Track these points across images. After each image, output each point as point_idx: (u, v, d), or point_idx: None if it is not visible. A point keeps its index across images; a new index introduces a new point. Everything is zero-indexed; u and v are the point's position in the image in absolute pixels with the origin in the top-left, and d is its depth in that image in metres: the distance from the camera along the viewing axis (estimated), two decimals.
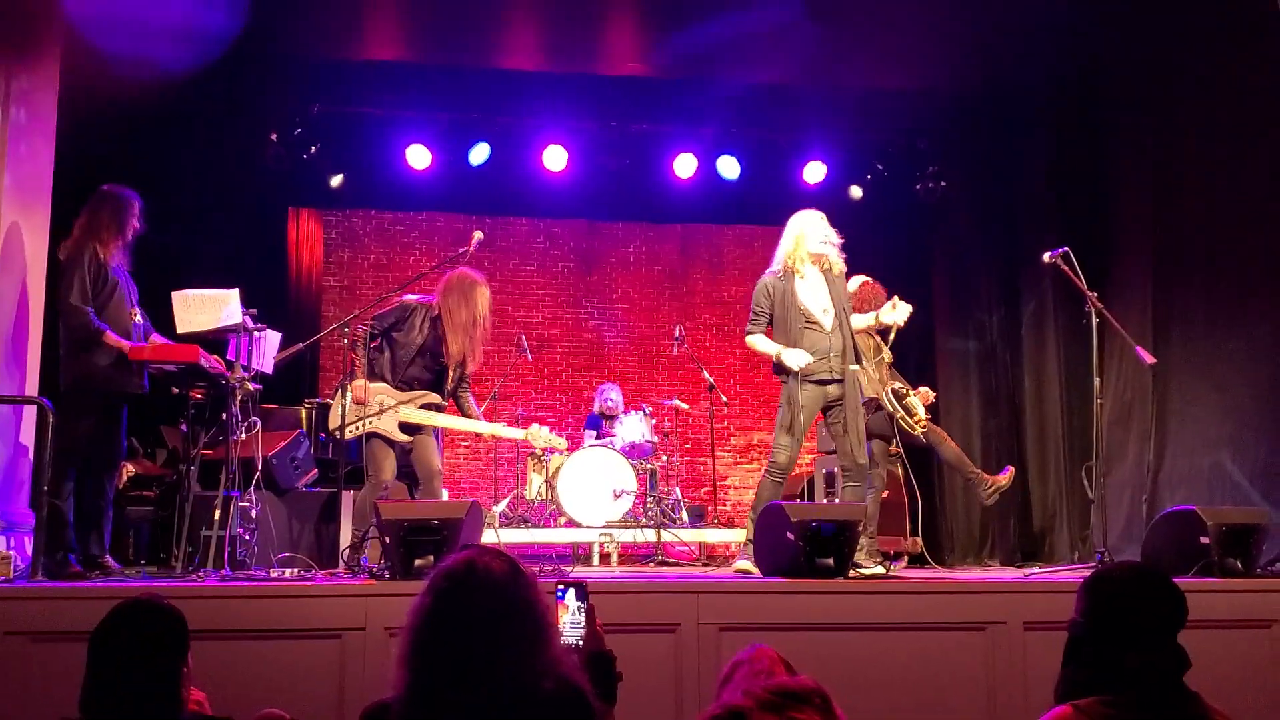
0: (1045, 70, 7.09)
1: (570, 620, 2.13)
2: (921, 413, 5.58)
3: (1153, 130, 6.41)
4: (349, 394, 4.82)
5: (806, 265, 4.86)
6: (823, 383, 4.80)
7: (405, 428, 4.92)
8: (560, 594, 2.14)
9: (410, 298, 5.06)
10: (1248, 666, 4.00)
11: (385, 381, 4.95)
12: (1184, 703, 1.94)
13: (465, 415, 5.08)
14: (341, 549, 4.96)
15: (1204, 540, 4.44)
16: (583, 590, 2.16)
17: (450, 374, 4.99)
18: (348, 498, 5.49)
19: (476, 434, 5.05)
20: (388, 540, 4.02)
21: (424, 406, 4.95)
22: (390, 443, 4.93)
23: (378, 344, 4.97)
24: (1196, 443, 5.91)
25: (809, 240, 4.84)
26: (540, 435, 5.13)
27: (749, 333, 4.95)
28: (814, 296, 4.85)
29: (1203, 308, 5.96)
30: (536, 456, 7.97)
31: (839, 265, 4.86)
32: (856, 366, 4.87)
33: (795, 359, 4.74)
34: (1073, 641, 2.08)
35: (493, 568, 1.80)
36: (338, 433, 4.84)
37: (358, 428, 4.83)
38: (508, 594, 1.79)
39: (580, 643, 2.14)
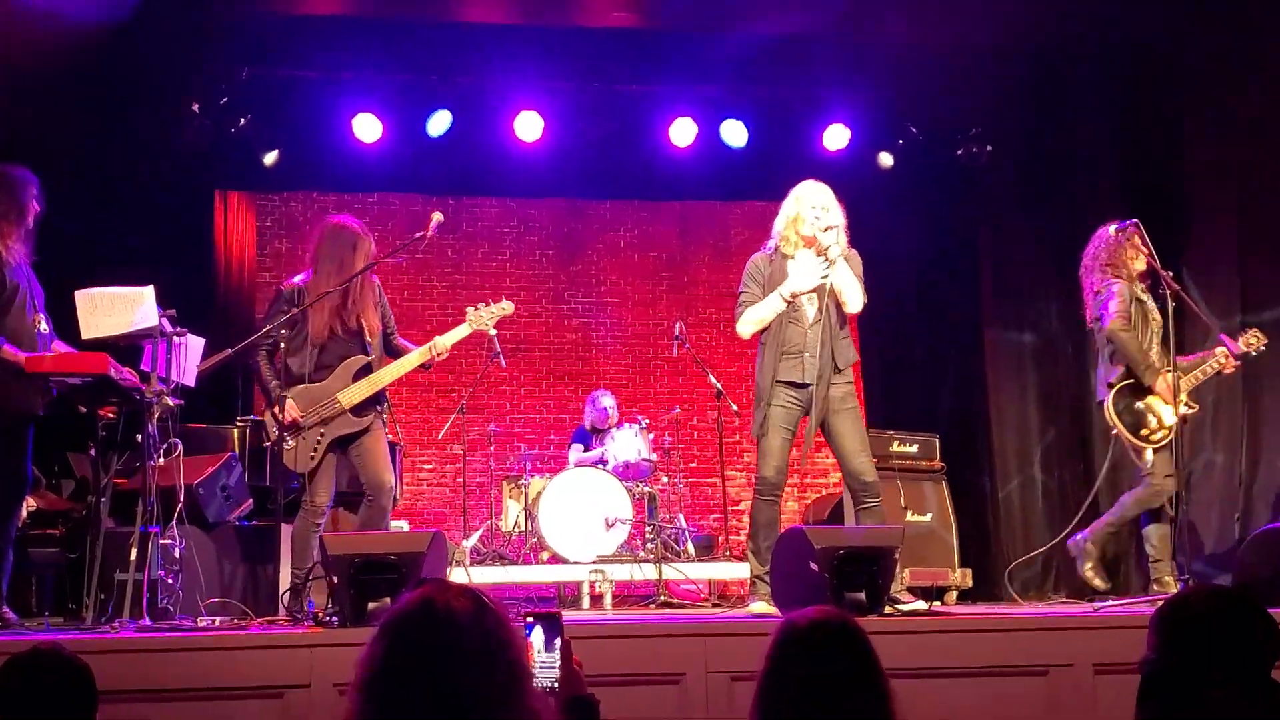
0: (1114, 20, 7.08)
1: (541, 660, 2.13)
2: (1165, 418, 5.31)
3: (1239, 88, 6.41)
4: (282, 431, 4.90)
5: (800, 249, 4.93)
6: (798, 385, 4.85)
7: (356, 410, 4.99)
8: (527, 629, 2.13)
9: (294, 280, 5.10)
10: None
11: (303, 383, 4.98)
12: None
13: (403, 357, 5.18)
14: (281, 592, 4.97)
15: None
16: (554, 624, 2.15)
17: (368, 341, 5.05)
18: (288, 532, 5.49)
19: (423, 367, 5.17)
20: (335, 580, 4.01)
21: (357, 377, 4.99)
22: (335, 452, 4.97)
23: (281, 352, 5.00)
24: None
25: (802, 221, 4.90)
26: (479, 316, 5.22)
27: (737, 317, 5.00)
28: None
29: None
30: (514, 481, 7.96)
31: (838, 249, 4.82)
32: (846, 369, 4.88)
33: (799, 279, 4.79)
34: (1147, 681, 2.08)
35: (455, 607, 1.79)
36: (303, 471, 4.93)
37: (314, 451, 4.87)
38: (474, 637, 1.77)
39: (555, 685, 2.13)
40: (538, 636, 2.15)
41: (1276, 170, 6.17)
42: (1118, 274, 5.47)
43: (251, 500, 5.89)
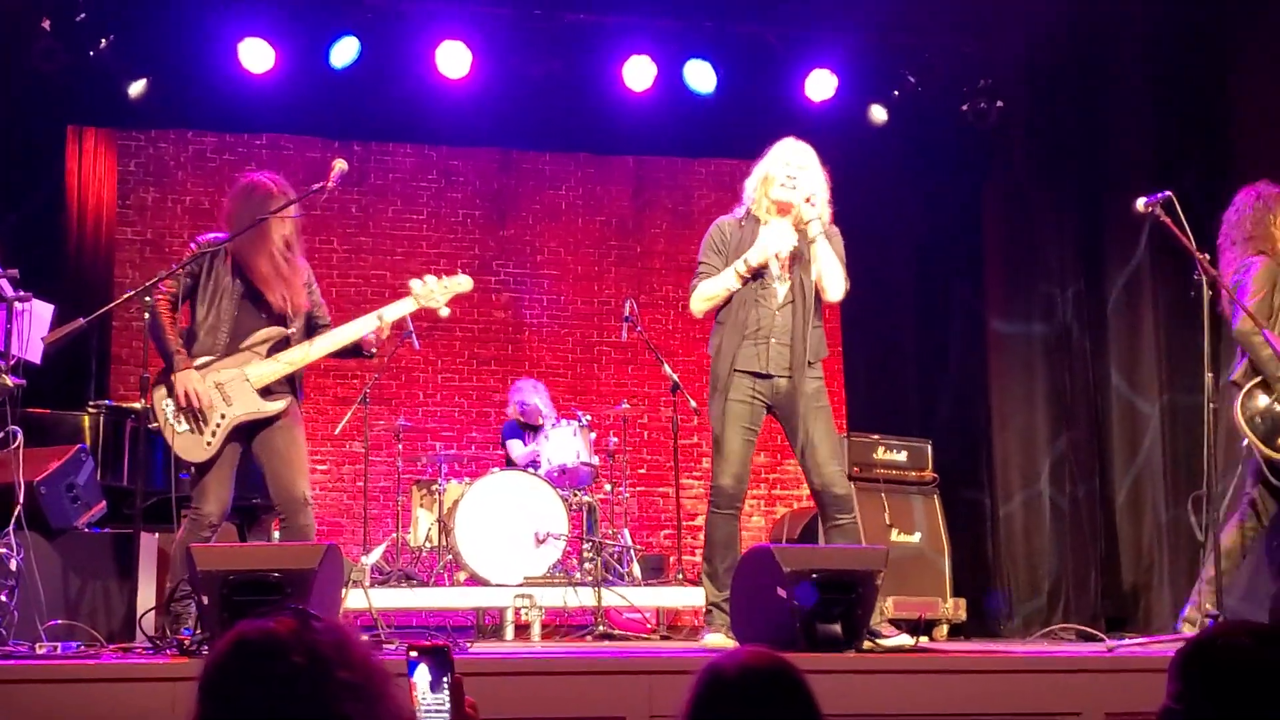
0: None
1: (426, 703, 2.08)
2: None
3: None
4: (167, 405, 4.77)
5: (773, 215, 4.97)
6: (762, 376, 4.89)
7: (266, 392, 4.87)
8: (411, 666, 2.10)
9: (207, 237, 4.99)
10: None
11: (208, 354, 4.88)
12: None
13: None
14: (140, 614, 4.92)
15: None
16: (442, 659, 2.10)
17: (289, 315, 4.95)
18: (149, 542, 5.43)
19: (357, 347, 5.00)
20: (205, 601, 3.98)
21: (272, 353, 4.90)
22: (239, 443, 4.87)
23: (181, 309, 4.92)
24: None
25: (772, 182, 4.95)
26: (428, 290, 5.04)
27: (690, 290, 5.06)
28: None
29: None
30: (425, 487, 7.93)
31: (819, 225, 4.85)
32: (817, 364, 4.92)
33: (761, 249, 4.83)
34: None
35: (272, 629, 1.73)
36: (195, 461, 4.81)
37: (212, 437, 4.78)
38: (296, 661, 1.71)
39: None
40: (422, 676, 2.10)
41: None
42: (1260, 248, 5.36)
43: (105, 503, 5.82)
